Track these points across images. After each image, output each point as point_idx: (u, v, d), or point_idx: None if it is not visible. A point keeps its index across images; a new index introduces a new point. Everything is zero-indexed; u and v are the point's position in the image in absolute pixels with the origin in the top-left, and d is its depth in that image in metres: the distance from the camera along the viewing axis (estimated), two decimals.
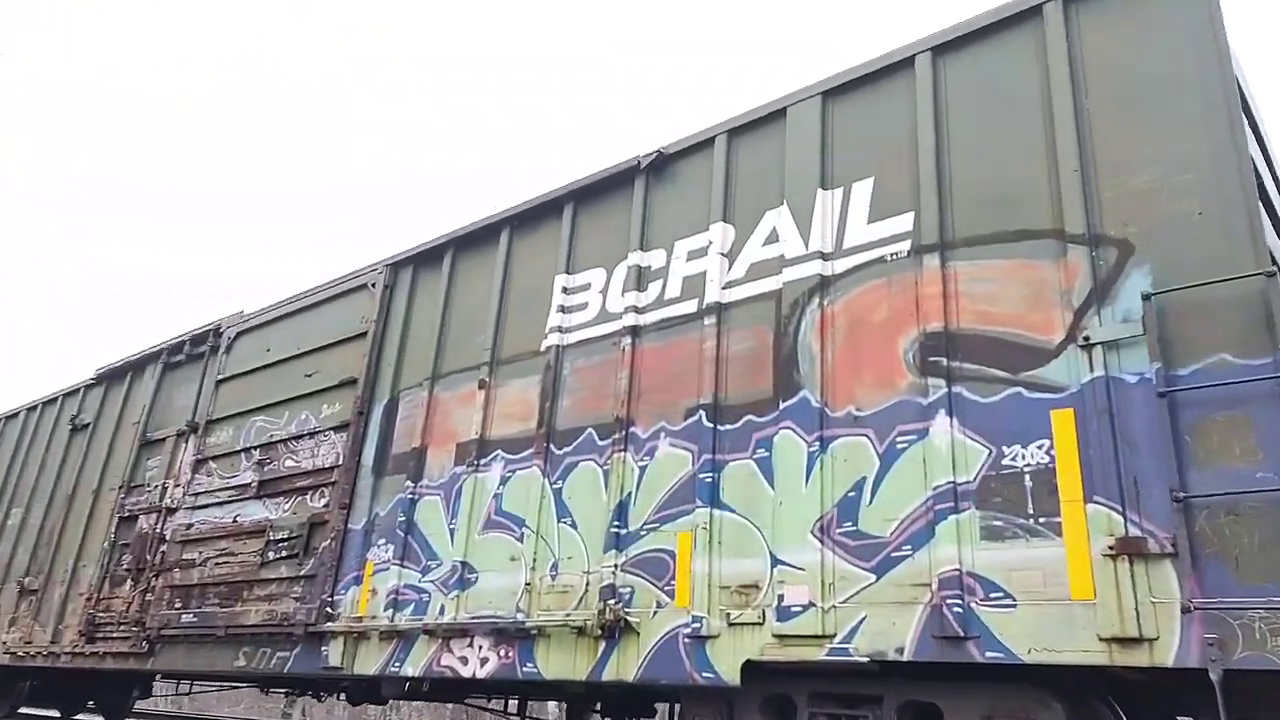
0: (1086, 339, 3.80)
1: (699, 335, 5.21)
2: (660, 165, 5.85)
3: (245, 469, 7.74)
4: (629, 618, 4.80)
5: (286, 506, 7.23)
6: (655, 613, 4.77)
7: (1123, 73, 4.12)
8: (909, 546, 4.03)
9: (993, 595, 3.74)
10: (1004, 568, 3.75)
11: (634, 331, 5.52)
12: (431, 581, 5.98)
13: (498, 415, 6.13)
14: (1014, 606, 3.68)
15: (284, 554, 6.97)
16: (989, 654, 3.68)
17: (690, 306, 5.35)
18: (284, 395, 7.75)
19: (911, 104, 4.79)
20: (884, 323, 4.48)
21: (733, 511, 4.68)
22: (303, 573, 6.75)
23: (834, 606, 4.15)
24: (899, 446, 4.21)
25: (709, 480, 4.79)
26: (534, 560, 5.42)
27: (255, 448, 7.76)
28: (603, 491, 5.29)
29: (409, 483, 6.39)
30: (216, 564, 7.51)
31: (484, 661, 5.42)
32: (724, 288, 5.19)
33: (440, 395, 6.61)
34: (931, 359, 4.20)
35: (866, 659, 3.98)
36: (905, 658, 3.88)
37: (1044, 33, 4.40)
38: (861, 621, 4.05)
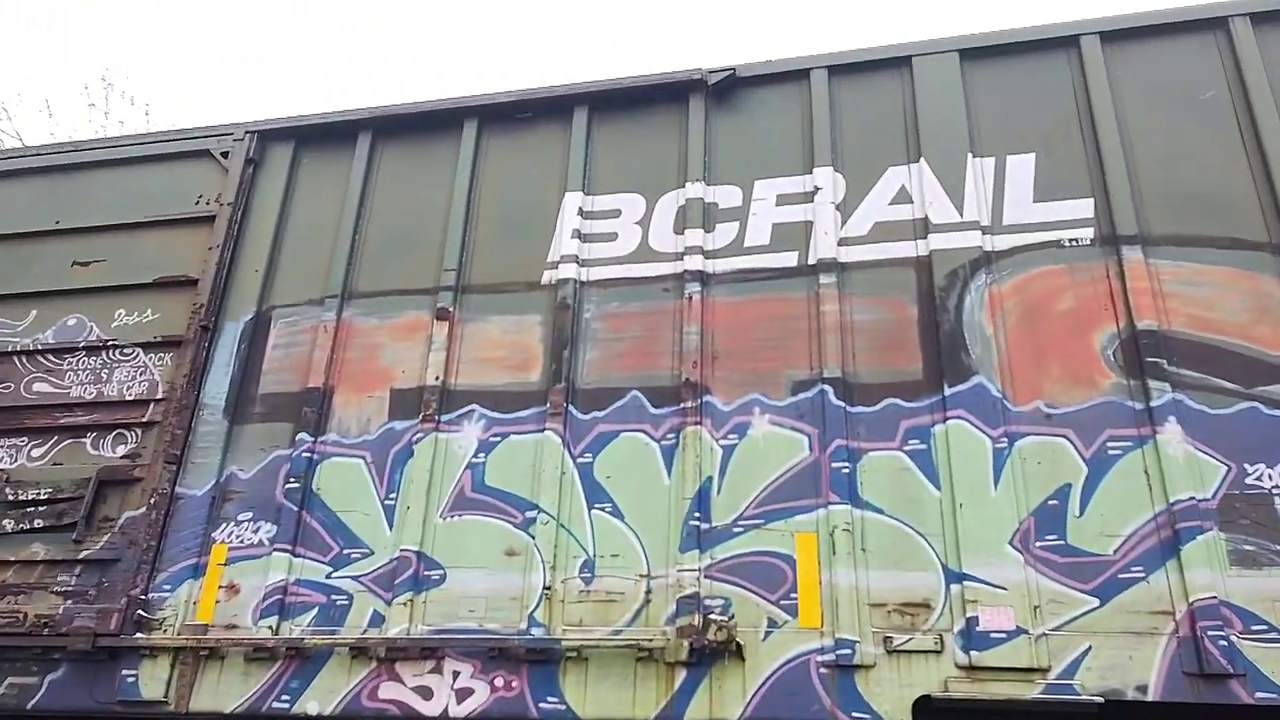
0: None
1: (806, 295, 4.26)
2: (727, 87, 4.81)
3: None
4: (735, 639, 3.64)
5: (38, 453, 4.72)
6: (767, 634, 3.68)
7: None
8: (1140, 568, 3.49)
9: (1255, 628, 3.33)
10: (1264, 597, 3.37)
11: (701, 279, 4.38)
12: (353, 578, 4.18)
13: (469, 358, 4.53)
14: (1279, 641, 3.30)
15: (38, 524, 4.50)
16: (1259, 694, 3.25)
17: (788, 259, 4.38)
18: (31, 286, 5.16)
19: (1074, 85, 4.39)
20: (1070, 312, 3.96)
21: (880, 512, 3.78)
22: (84, 555, 4.39)
23: (1045, 634, 3.45)
24: (1111, 453, 3.68)
25: (845, 471, 3.85)
26: (553, 556, 3.98)
27: None
28: (664, 473, 4.06)
29: (304, 436, 4.47)
30: None
31: (464, 694, 3.83)
32: (840, 244, 4.32)
33: (357, 321, 4.76)
34: (1150, 360, 3.75)
35: (1099, 698, 3.34)
36: (1150, 697, 3.31)
37: (1233, 43, 4.26)
38: (1085, 653, 3.41)
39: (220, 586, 4.28)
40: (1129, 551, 3.52)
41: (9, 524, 4.53)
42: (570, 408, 4.27)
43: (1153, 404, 3.68)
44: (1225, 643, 3.29)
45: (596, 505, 4.07)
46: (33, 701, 4.19)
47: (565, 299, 4.49)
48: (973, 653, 3.46)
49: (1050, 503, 3.66)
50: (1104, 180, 4.13)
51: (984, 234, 4.17)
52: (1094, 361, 3.85)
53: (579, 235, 4.65)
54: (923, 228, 4.25)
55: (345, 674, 3.97)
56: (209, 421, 4.64)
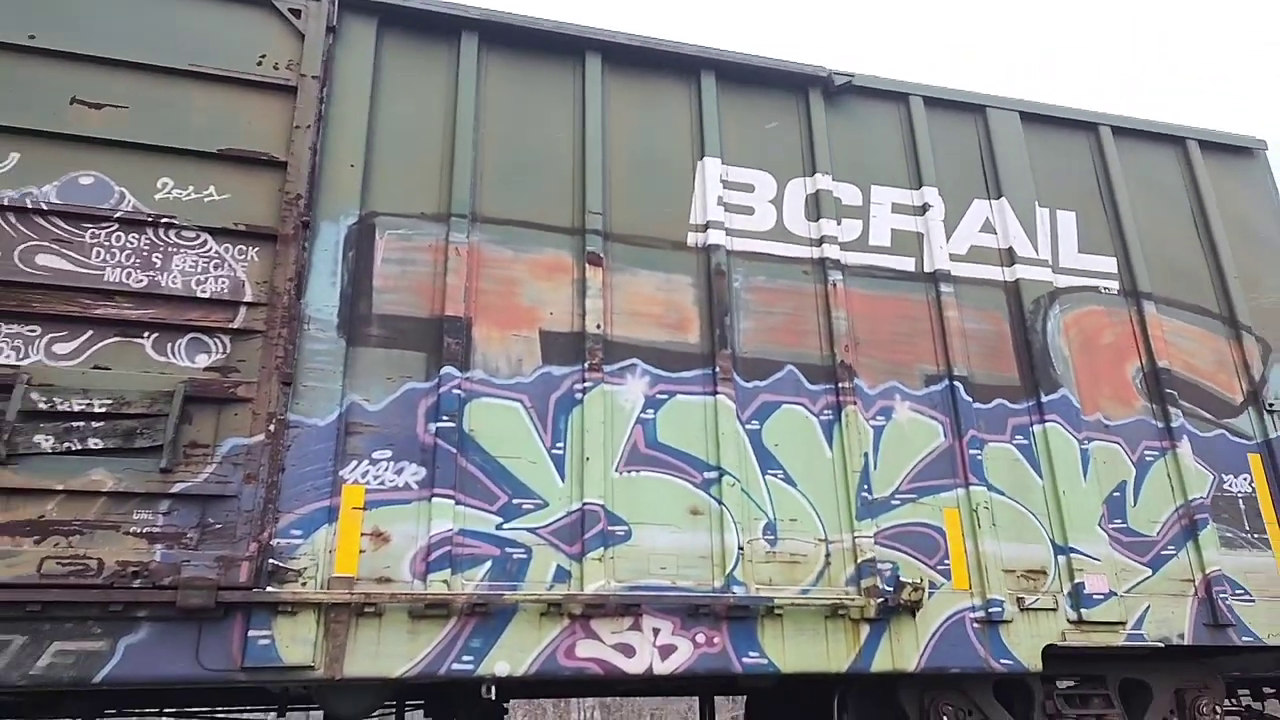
0: (1270, 406, 5.11)
1: (926, 299, 4.83)
2: (839, 92, 5.16)
3: None
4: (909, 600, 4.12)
5: (64, 350, 3.55)
6: (930, 594, 4.22)
7: (1241, 218, 5.67)
8: (1173, 547, 4.66)
9: (1237, 592, 4.66)
10: (1240, 570, 4.72)
11: (840, 268, 4.73)
12: (529, 530, 3.86)
13: (622, 310, 4.35)
14: (1253, 602, 4.67)
15: (94, 444, 3.41)
16: (1243, 638, 4.57)
17: (906, 264, 4.90)
18: (6, 119, 3.79)
19: (1095, 163, 5.52)
20: (1110, 346, 5.05)
21: (1002, 494, 4.51)
22: (178, 488, 3.44)
23: (1121, 596, 4.47)
24: (1147, 459, 4.82)
25: (978, 458, 4.51)
26: (739, 518, 4.09)
27: None
28: (825, 446, 4.38)
29: (451, 370, 3.96)
30: None
31: (667, 650, 3.81)
32: (951, 258, 4.95)
33: (487, 249, 4.28)
34: (1168, 390, 4.96)
35: (1159, 643, 4.43)
36: (1186, 642, 4.48)
37: (1190, 163, 5.69)
38: (1146, 610, 4.48)
39: (363, 534, 3.66)
40: (1166, 534, 4.68)
41: (46, 441, 3.36)
42: (735, 373, 4.37)
43: (1171, 424, 4.90)
44: (1226, 603, 4.57)
45: (769, 471, 4.25)
46: (103, 672, 3.23)
47: (720, 265, 4.53)
48: (1081, 610, 4.35)
49: (1115, 494, 4.69)
50: (1124, 245, 5.30)
51: (1053, 271, 5.10)
52: (1129, 387, 4.98)
53: (723, 204, 4.69)
54: (1009, 257, 5.06)
55: (535, 631, 3.70)
56: (319, 339, 3.88)
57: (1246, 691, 5.50)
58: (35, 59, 3.92)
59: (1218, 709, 4.66)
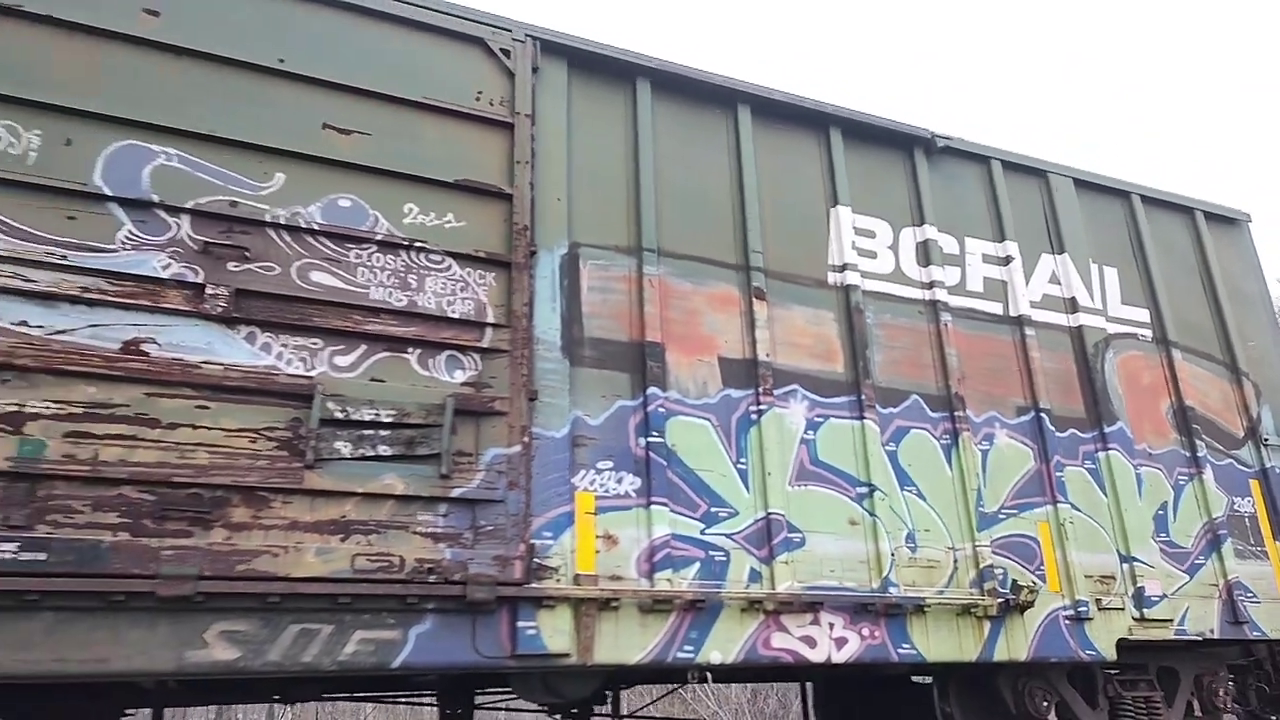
0: (1265, 440, 6.16)
1: (1012, 339, 5.61)
2: (933, 150, 5.87)
3: (140, 246, 3.66)
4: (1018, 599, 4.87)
5: (344, 362, 3.84)
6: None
7: (1231, 278, 6.73)
8: (1202, 557, 5.61)
9: (1248, 594, 5.65)
10: (1249, 577, 5.71)
11: (948, 310, 5.45)
12: (726, 535, 4.39)
13: (782, 340, 4.92)
14: (1260, 602, 5.67)
15: (383, 451, 3.73)
16: (1254, 633, 5.56)
17: (996, 308, 5.66)
18: (272, 140, 4.02)
19: (1129, 226, 6.45)
20: (1149, 387, 5.97)
21: (1079, 510, 5.33)
22: (456, 493, 3.80)
23: (1169, 598, 5.37)
24: (1180, 483, 5.76)
25: (1061, 479, 5.32)
26: (889, 528, 4.74)
27: (186, 213, 3.76)
28: (946, 466, 5.08)
29: (655, 390, 4.44)
30: (86, 440, 3.33)
31: (840, 642, 4.42)
32: (1030, 305, 5.75)
33: (674, 282, 4.77)
34: (1194, 425, 5.92)
35: (1197, 637, 5.35)
36: (1215, 636, 5.42)
37: (1198, 230, 6.71)
38: (1186, 610, 5.40)
39: (597, 536, 4.11)
40: (1197, 546, 5.62)
41: (345, 447, 3.66)
42: (877, 401, 5.01)
43: (1197, 454, 5.85)
44: (1244, 604, 5.55)
45: (906, 487, 4.92)
46: (400, 658, 3.59)
47: (858, 303, 5.16)
48: (1143, 609, 5.22)
49: (1159, 512, 5.60)
50: (1154, 298, 6.24)
51: (1105, 319, 5.98)
52: (1164, 422, 5.91)
53: (856, 249, 5.33)
54: (1072, 305, 5.91)
55: (739, 625, 4.24)
56: (547, 358, 4.28)
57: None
58: (286, 82, 4.16)
59: (1226, 690, 5.65)
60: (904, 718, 5.92)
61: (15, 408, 3.28)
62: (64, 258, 3.52)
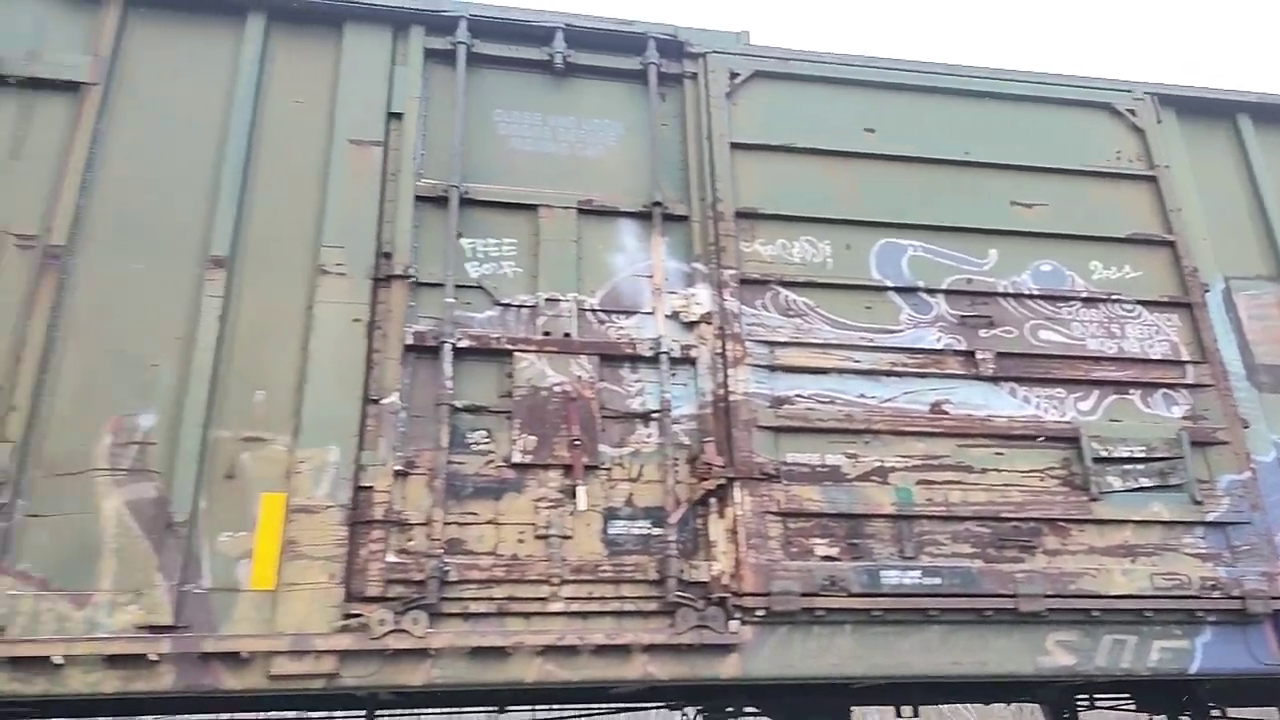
0: None
1: None
2: None
3: (917, 324, 4.43)
4: None
5: (1085, 407, 4.43)
6: None
7: None
8: None
9: None
10: None
11: None
12: None
13: None
14: None
15: (1144, 483, 4.28)
16: None
17: None
18: (983, 223, 4.72)
19: None
20: None
21: None
22: (1210, 517, 4.27)
23: None
24: None
25: None
26: None
27: (940, 292, 4.51)
28: None
29: None
30: (916, 481, 4.10)
31: None
32: None
33: None
34: None
35: None
36: None
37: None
38: None
39: None
40: None
41: (1116, 481, 4.24)
42: None
43: None
44: None
45: None
46: (1194, 665, 4.06)
47: None
48: None
49: None
50: None
51: None
52: None
53: None
54: None
55: None
56: (1238, 388, 4.66)
57: None
58: (973, 170, 4.85)
59: None
60: None
61: (879, 462, 4.12)
62: (871, 340, 4.36)
